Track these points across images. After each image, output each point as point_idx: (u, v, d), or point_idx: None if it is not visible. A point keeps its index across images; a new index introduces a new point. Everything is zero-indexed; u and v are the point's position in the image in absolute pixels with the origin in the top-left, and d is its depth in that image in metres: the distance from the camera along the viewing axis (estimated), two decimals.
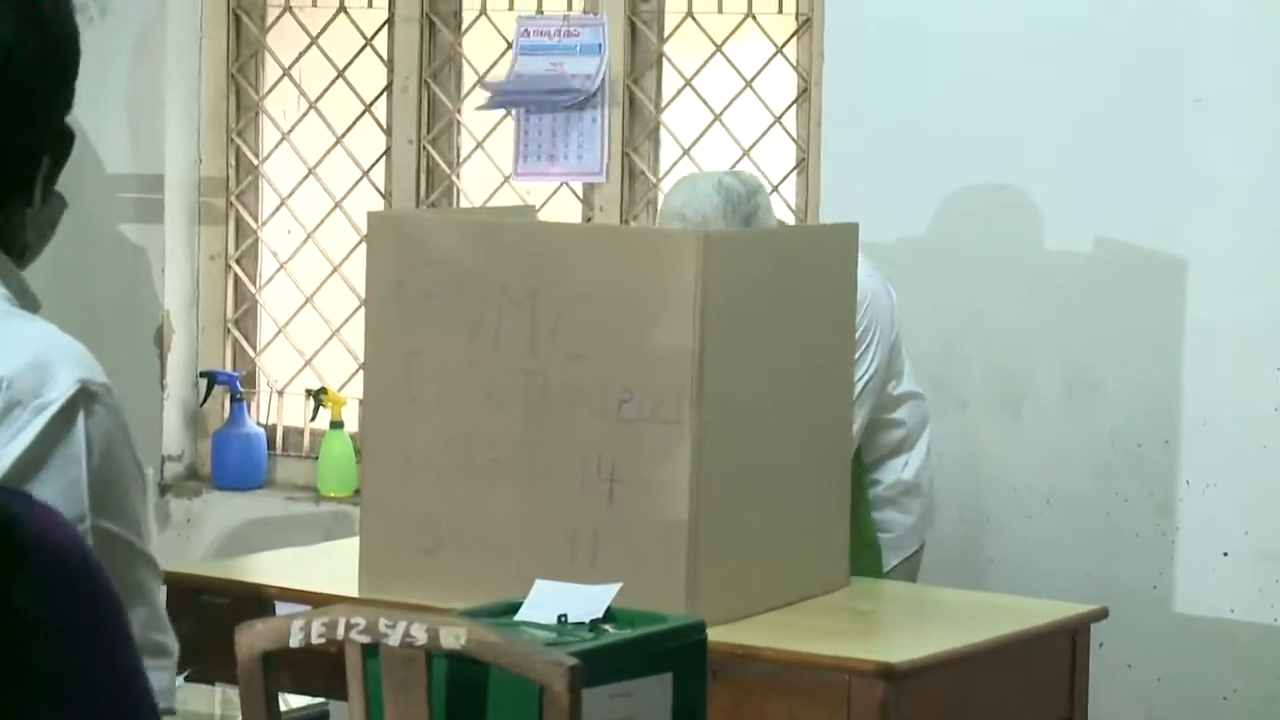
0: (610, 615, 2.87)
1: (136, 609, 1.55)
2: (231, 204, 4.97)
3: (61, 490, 1.53)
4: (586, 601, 2.89)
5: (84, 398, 1.55)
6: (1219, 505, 3.94)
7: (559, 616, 2.86)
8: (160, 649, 1.59)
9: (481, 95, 4.61)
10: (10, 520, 1.11)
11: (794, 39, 4.43)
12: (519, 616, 2.89)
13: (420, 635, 2.67)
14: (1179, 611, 4.00)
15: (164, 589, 1.63)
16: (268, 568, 3.69)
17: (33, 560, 1.11)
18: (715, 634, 2.91)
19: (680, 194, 3.62)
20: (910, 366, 3.80)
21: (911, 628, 3.38)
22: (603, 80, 4.50)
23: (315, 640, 2.71)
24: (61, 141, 1.61)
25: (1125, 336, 4.02)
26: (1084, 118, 4.03)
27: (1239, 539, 3.93)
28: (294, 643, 2.70)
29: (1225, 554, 3.95)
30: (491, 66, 4.70)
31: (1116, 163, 4.01)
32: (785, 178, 4.43)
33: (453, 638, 2.65)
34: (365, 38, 4.84)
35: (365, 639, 2.69)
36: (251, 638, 2.75)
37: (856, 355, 3.63)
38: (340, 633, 2.70)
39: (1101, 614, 3.49)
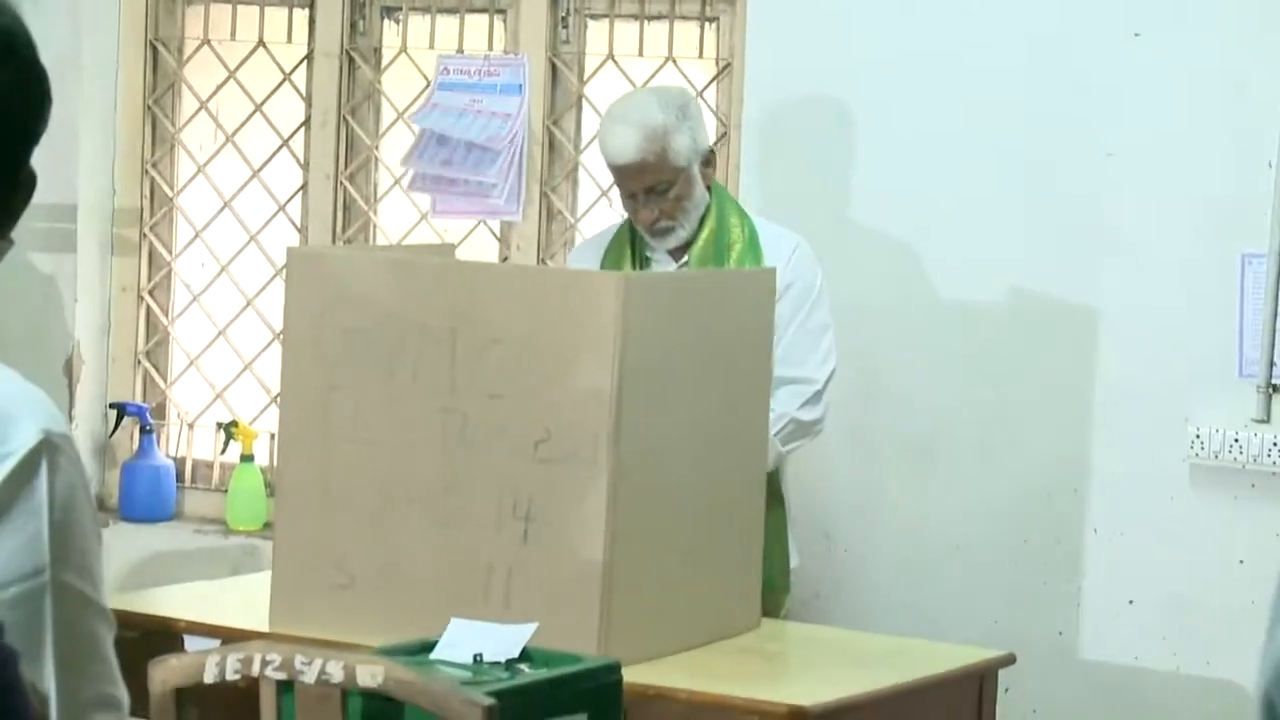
0: (526, 655, 2.88)
1: (90, 663, 1.54)
2: (145, 235, 4.94)
3: (22, 542, 1.51)
4: (502, 641, 2.90)
5: (47, 449, 1.54)
6: (1125, 554, 3.99)
7: (475, 656, 2.86)
8: (112, 702, 1.58)
9: (403, 170, 4.62)
10: None
11: (714, 83, 4.47)
12: (434, 655, 2.89)
13: (337, 673, 2.66)
14: (1085, 658, 4.05)
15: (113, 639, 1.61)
16: (177, 601, 3.66)
17: None
18: (629, 674, 2.92)
19: (618, 105, 3.84)
20: None
21: (822, 670, 3.40)
22: (522, 119, 4.52)
23: (230, 677, 2.70)
24: (30, 182, 1.61)
25: (1036, 386, 4.07)
26: (997, 169, 4.09)
27: (1144, 587, 3.98)
28: (208, 679, 2.69)
29: (1130, 602, 4.00)
30: (411, 104, 4.71)
31: (1029, 214, 4.07)
32: None
33: (370, 676, 2.65)
34: (284, 72, 4.83)
35: (281, 676, 2.68)
36: (165, 673, 2.73)
37: (810, 305, 3.74)
38: (255, 669, 2.69)
39: (1009, 660, 3.52)
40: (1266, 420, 3.83)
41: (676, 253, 3.81)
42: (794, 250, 3.79)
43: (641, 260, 3.81)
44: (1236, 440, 3.83)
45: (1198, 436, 3.88)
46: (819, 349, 3.78)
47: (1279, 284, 3.81)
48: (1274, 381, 3.83)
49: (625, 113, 3.77)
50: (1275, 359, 3.82)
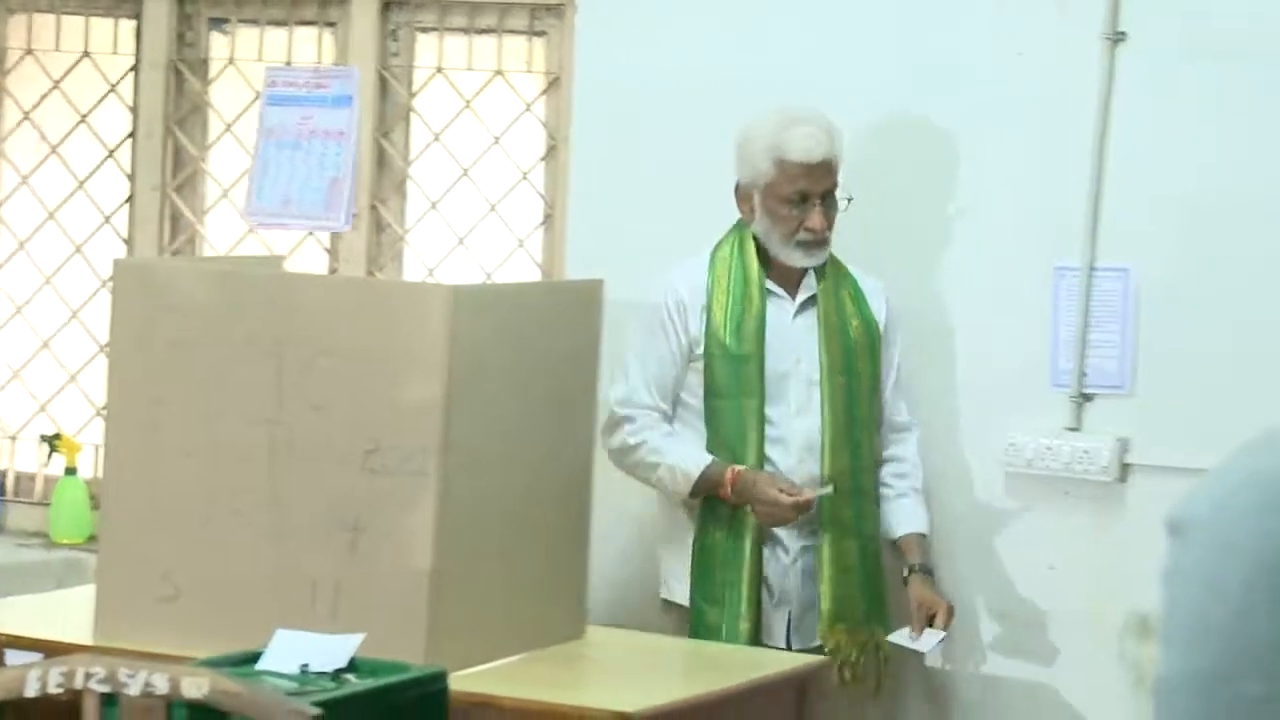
0: (353, 665, 2.89)
1: None
2: None
3: None
4: (329, 651, 2.91)
5: None
6: (941, 559, 3.99)
7: (301, 666, 2.87)
8: None
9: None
10: None
11: (542, 97, 4.51)
12: (260, 666, 2.89)
13: (161, 685, 2.66)
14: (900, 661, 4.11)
15: None
16: None
17: None
18: (456, 682, 2.94)
19: (787, 109, 3.80)
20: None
21: (647, 677, 3.44)
22: (354, 135, 4.52)
23: (53, 690, 2.68)
24: None
25: None
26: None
27: (959, 592, 4.02)
28: (30, 692, 2.67)
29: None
30: (239, 116, 4.70)
31: (844, 227, 4.12)
32: (531, 233, 4.50)
33: (195, 687, 2.65)
34: (110, 84, 4.80)
35: (105, 688, 2.67)
36: None
37: (901, 353, 3.91)
38: (79, 682, 2.68)
39: (827, 666, 3.60)
40: (1078, 429, 3.94)
41: (793, 288, 3.81)
42: (885, 296, 3.88)
43: (763, 293, 3.79)
44: (1049, 448, 3.93)
45: (1012, 444, 3.97)
46: (906, 395, 3.93)
47: (1089, 297, 3.92)
48: (1085, 391, 3.93)
49: (802, 115, 3.77)
50: (1086, 370, 3.93)
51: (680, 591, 3.80)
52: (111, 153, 4.81)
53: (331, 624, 3.10)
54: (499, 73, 4.53)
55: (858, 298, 3.85)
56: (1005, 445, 3.97)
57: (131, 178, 4.78)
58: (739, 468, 3.70)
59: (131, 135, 4.78)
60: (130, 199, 4.79)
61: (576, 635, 3.50)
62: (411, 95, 4.59)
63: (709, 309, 3.77)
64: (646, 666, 3.51)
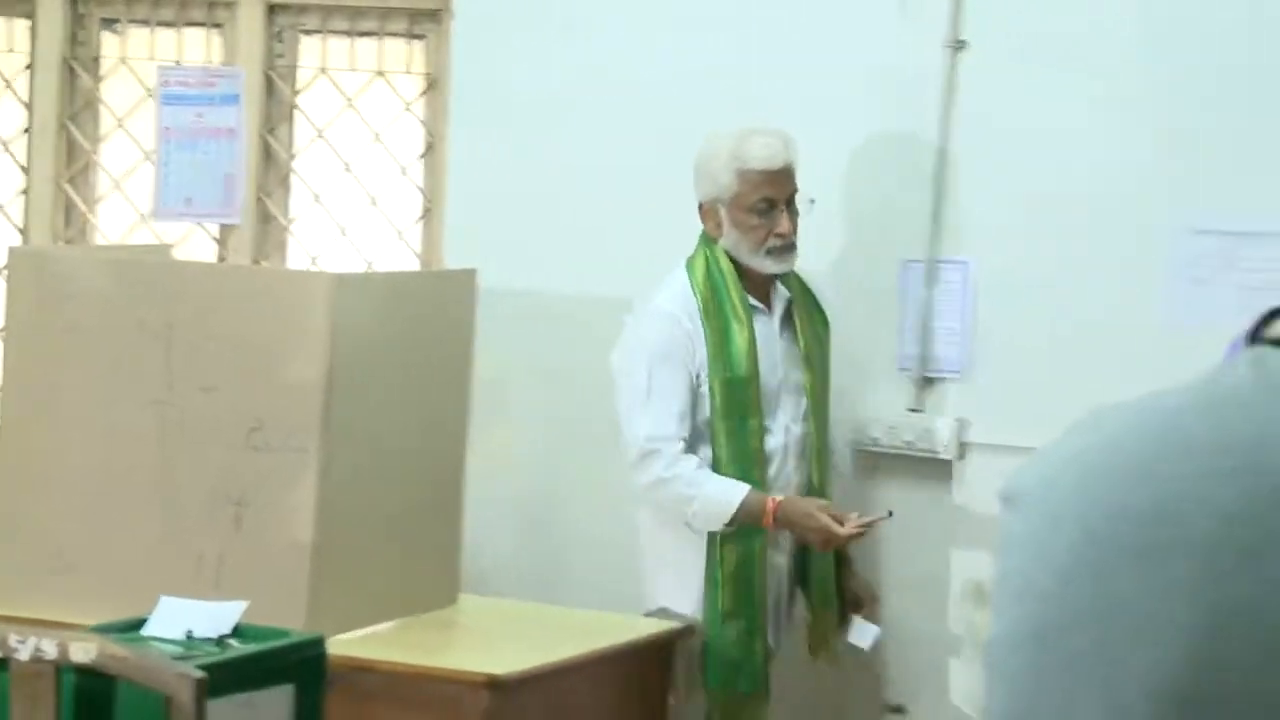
0: (236, 631, 3.05)
1: None
2: None
3: None
4: (213, 618, 3.06)
5: None
6: None
7: (186, 632, 3.03)
8: None
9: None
10: None
11: (421, 97, 4.69)
12: (146, 632, 3.04)
13: (51, 650, 2.78)
14: None
15: None
16: None
17: None
18: (334, 647, 3.09)
19: (741, 126, 3.87)
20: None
21: (519, 641, 3.59)
22: (242, 131, 4.69)
23: None
24: None
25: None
26: (676, 182, 4.29)
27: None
28: None
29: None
30: (130, 111, 4.85)
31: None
32: (411, 225, 4.69)
33: (83, 652, 2.77)
34: (5, 81, 4.94)
35: None
36: None
37: None
38: None
39: (689, 631, 3.79)
40: (921, 409, 4.16)
41: (767, 299, 3.87)
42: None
43: (748, 311, 3.83)
44: (894, 427, 4.15)
45: (860, 423, 4.17)
46: None
47: (932, 288, 4.15)
48: (927, 375, 4.16)
49: (757, 126, 3.82)
50: (929, 355, 4.16)
51: (683, 605, 3.81)
52: (7, 146, 4.95)
53: (216, 594, 3.22)
54: (380, 74, 4.71)
55: (817, 303, 3.97)
56: (854, 424, 4.19)
57: (27, 170, 4.92)
58: (779, 498, 3.74)
59: (27, 130, 4.92)
60: (26, 190, 4.93)
61: (450, 602, 3.67)
62: (295, 94, 4.75)
63: (704, 334, 3.79)
64: (516, 632, 3.67)
